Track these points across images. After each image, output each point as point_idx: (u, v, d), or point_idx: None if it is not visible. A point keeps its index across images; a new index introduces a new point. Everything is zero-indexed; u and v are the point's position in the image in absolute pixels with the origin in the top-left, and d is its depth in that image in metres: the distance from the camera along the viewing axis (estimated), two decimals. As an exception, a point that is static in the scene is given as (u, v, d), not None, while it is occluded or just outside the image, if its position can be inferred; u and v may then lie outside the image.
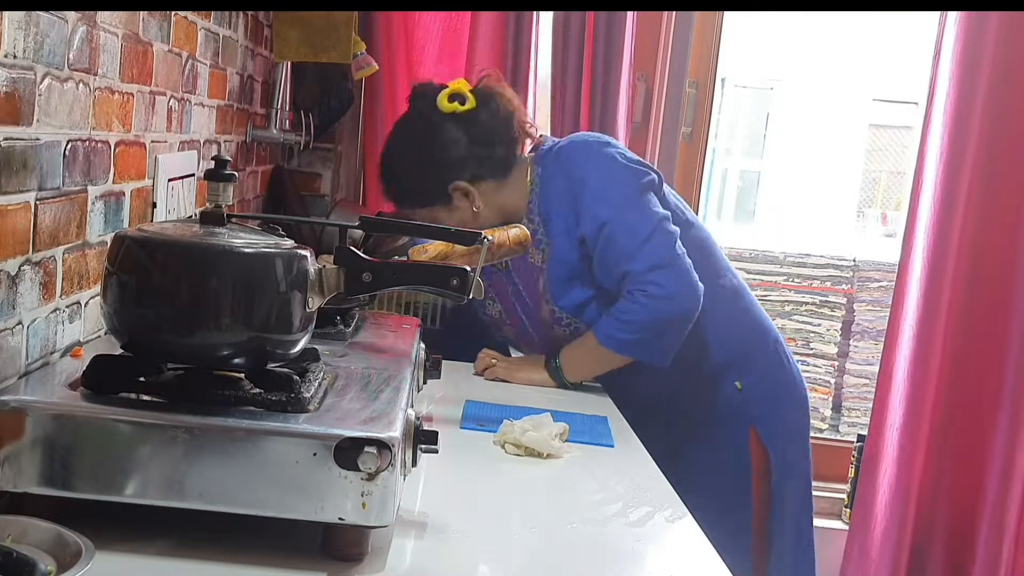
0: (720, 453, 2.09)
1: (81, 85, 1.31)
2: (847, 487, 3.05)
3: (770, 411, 2.11)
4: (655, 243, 1.90)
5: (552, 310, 2.01)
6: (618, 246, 1.91)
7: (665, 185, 2.04)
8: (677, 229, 1.94)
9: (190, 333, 1.11)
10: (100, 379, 1.12)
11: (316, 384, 1.19)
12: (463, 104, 1.96)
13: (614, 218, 1.91)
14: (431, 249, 1.90)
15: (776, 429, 2.10)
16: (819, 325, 3.78)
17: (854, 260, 3.82)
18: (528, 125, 2.05)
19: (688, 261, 1.92)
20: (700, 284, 1.92)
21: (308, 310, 1.17)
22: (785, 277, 3.81)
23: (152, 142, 1.61)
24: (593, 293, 1.97)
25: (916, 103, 3.38)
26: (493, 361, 2.03)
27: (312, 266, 1.18)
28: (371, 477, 1.04)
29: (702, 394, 2.09)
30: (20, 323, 1.21)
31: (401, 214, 2.07)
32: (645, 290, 1.88)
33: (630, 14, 2.71)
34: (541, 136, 2.08)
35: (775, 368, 2.13)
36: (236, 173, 1.29)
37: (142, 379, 1.13)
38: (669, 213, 1.96)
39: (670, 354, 1.94)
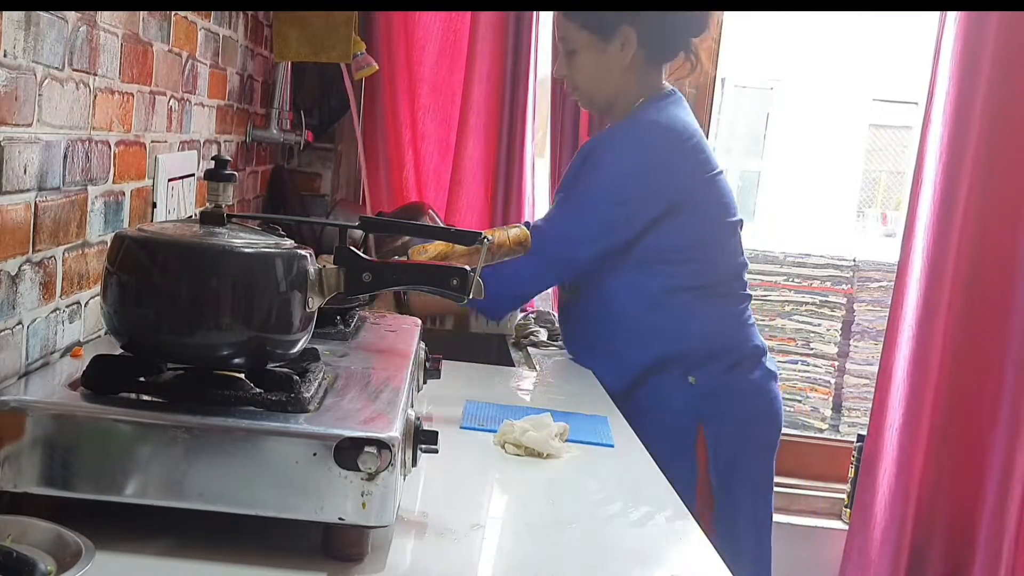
0: (663, 445, 1.90)
1: (81, 85, 1.31)
2: (847, 487, 3.05)
3: (719, 415, 2.03)
4: (562, 241, 2.01)
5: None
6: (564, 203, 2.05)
7: (723, 179, 2.12)
8: (585, 256, 2.02)
9: (190, 333, 1.11)
10: (100, 379, 1.12)
11: (316, 384, 1.18)
12: None
13: (585, 188, 2.03)
14: (431, 249, 1.90)
15: (725, 436, 2.03)
16: (819, 325, 3.78)
17: (854, 260, 3.82)
18: (686, 75, 2.15)
19: (550, 284, 2.20)
20: (523, 308, 2.15)
21: (308, 310, 1.17)
22: (785, 277, 3.80)
23: (152, 142, 1.61)
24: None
25: (916, 103, 3.38)
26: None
27: (312, 266, 1.18)
28: (371, 477, 1.04)
29: (651, 373, 2.04)
30: (20, 323, 1.21)
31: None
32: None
33: (630, 14, 2.71)
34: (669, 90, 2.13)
35: (740, 376, 2.06)
36: (236, 173, 1.29)
37: (142, 379, 1.13)
38: (610, 245, 2.01)
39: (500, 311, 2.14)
